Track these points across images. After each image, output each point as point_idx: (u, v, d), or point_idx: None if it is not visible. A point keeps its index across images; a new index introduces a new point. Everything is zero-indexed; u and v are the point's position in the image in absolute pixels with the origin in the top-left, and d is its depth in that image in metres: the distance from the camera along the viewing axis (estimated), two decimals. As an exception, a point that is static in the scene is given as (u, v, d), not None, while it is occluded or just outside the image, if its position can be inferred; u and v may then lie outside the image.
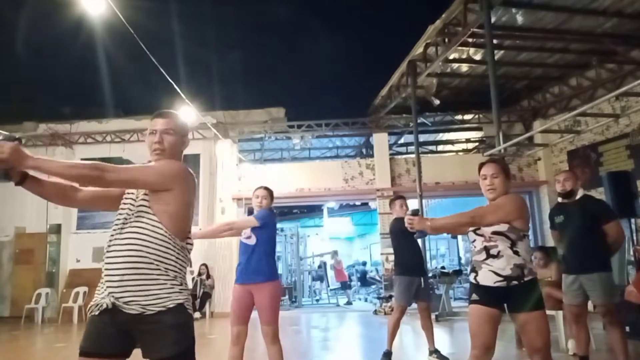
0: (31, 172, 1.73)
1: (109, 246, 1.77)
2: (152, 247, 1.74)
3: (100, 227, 10.46)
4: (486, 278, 2.54)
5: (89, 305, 1.78)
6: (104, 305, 1.70)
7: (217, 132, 10.56)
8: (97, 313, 1.72)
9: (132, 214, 1.78)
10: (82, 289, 9.97)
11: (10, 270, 10.78)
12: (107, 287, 1.72)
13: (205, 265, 10.18)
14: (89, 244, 10.42)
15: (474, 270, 2.64)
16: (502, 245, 2.53)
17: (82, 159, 11.43)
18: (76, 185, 1.86)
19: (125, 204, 1.84)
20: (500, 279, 2.50)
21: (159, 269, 1.74)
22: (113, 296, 1.70)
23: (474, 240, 2.66)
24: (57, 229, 10.62)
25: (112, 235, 1.79)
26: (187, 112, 9.13)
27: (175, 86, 7.59)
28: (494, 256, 2.54)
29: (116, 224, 1.81)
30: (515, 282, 2.49)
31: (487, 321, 2.50)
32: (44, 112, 11.79)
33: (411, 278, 4.62)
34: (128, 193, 1.86)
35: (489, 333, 2.50)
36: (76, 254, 10.66)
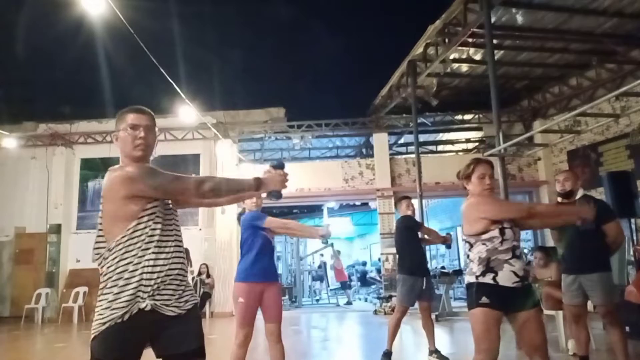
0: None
1: (166, 252, 1.78)
2: (183, 252, 1.89)
3: None
4: (506, 278, 2.47)
5: (111, 314, 1.67)
6: (147, 307, 1.69)
7: (217, 132, 10.56)
8: (126, 318, 1.67)
9: (177, 222, 1.91)
10: (82, 289, 9.97)
11: (10, 270, 10.79)
12: (150, 290, 1.71)
13: (205, 265, 10.19)
14: (89, 244, 10.16)
15: (491, 270, 2.48)
16: (519, 246, 2.56)
17: (82, 159, 11.41)
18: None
19: (169, 208, 1.89)
20: (518, 279, 2.48)
21: (186, 271, 1.89)
22: (154, 298, 1.72)
23: (504, 236, 2.49)
24: (57, 229, 10.62)
25: (166, 241, 1.79)
26: (187, 112, 9.13)
27: (175, 86, 7.58)
28: (517, 257, 2.51)
29: (168, 230, 1.82)
30: (526, 282, 2.52)
31: (495, 325, 2.45)
32: (44, 112, 11.78)
33: (415, 278, 4.63)
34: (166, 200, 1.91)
35: (495, 337, 2.46)
36: (76, 254, 10.66)
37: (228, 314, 9.32)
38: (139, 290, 1.70)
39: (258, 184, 1.91)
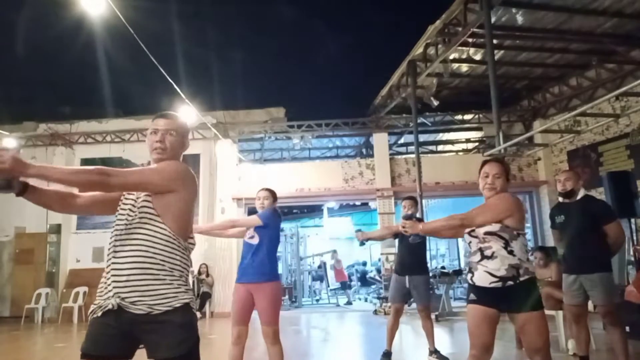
0: (31, 181, 1.71)
1: (114, 248, 1.77)
2: (158, 248, 1.75)
3: (100, 227, 10.46)
4: (482, 279, 2.55)
5: (91, 308, 1.76)
6: (109, 306, 1.69)
7: (217, 132, 10.56)
8: (99, 314, 1.71)
9: (136, 216, 1.78)
10: (82, 289, 9.97)
11: (10, 270, 10.79)
12: (113, 287, 1.71)
13: (205, 264, 10.19)
14: (89, 244, 10.43)
15: (470, 270, 2.65)
16: (496, 246, 2.53)
17: (82, 159, 11.43)
18: (75, 191, 1.85)
19: (125, 205, 1.85)
20: (496, 279, 2.50)
21: (165, 269, 1.75)
22: (119, 296, 1.69)
23: (470, 242, 2.67)
24: (57, 229, 10.62)
25: (114, 238, 1.79)
26: (187, 112, 9.12)
27: (175, 86, 7.58)
28: (488, 257, 2.54)
29: (118, 226, 1.81)
30: (510, 283, 2.48)
31: (484, 321, 2.50)
32: (44, 112, 11.78)
33: (395, 276, 4.76)
34: (127, 195, 1.87)
35: (487, 333, 2.50)
36: (76, 254, 10.67)
37: (228, 314, 9.30)
38: (111, 286, 1.72)
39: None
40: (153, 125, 1.94)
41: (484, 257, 2.56)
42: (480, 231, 2.58)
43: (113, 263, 1.75)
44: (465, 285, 10.92)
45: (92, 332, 1.74)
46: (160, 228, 1.77)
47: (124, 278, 1.71)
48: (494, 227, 2.53)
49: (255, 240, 3.44)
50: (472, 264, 2.62)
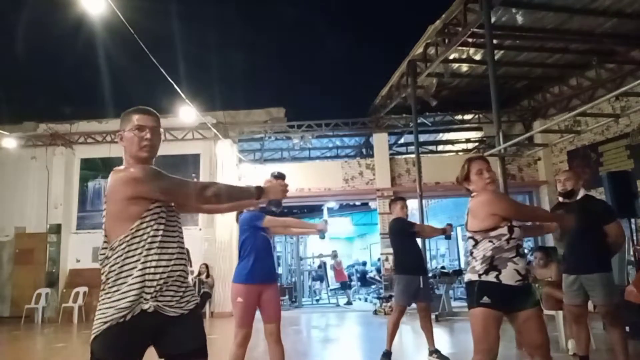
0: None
1: (169, 254, 1.78)
2: (184, 251, 1.89)
3: (100, 227, 10.28)
4: (510, 277, 2.45)
5: (110, 314, 1.66)
6: (150, 309, 1.69)
7: (217, 132, 10.56)
8: (128, 318, 1.67)
9: (179, 223, 1.91)
10: (82, 289, 9.97)
11: (10, 270, 10.79)
12: (153, 291, 1.71)
13: (205, 265, 10.18)
14: (89, 244, 10.42)
15: (494, 268, 2.45)
16: (522, 245, 2.58)
17: (82, 159, 11.40)
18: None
19: (172, 209, 1.88)
20: (520, 278, 2.47)
21: (187, 272, 1.90)
22: (157, 300, 1.72)
23: (503, 235, 2.47)
24: (57, 229, 10.62)
25: (169, 242, 1.80)
26: (187, 112, 9.13)
27: (175, 86, 7.58)
28: (521, 255, 2.52)
29: (171, 232, 1.82)
30: (526, 281, 2.51)
31: (494, 326, 2.44)
32: (44, 112, 11.78)
33: (410, 277, 4.65)
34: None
35: (495, 338, 2.44)
36: (76, 254, 10.66)
37: (228, 314, 9.31)
38: (143, 291, 1.69)
39: (259, 193, 1.97)
40: (139, 121, 1.86)
41: (518, 254, 2.49)
42: (519, 229, 2.55)
43: (170, 271, 1.77)
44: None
45: (118, 340, 1.67)
46: (182, 232, 1.92)
47: (163, 281, 1.75)
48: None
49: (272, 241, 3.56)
50: (501, 260, 2.45)
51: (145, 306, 1.68)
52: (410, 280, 4.63)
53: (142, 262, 1.71)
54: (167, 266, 1.75)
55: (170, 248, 1.79)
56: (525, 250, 2.76)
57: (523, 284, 2.48)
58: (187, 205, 2.07)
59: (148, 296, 1.69)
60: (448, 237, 5.29)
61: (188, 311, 1.81)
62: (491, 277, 2.45)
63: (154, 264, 1.72)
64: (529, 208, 2.73)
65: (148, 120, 1.88)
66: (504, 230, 2.48)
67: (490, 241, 2.49)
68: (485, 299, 2.43)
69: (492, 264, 2.46)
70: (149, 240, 1.73)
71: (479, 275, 2.49)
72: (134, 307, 1.67)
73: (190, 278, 9.56)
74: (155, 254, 1.74)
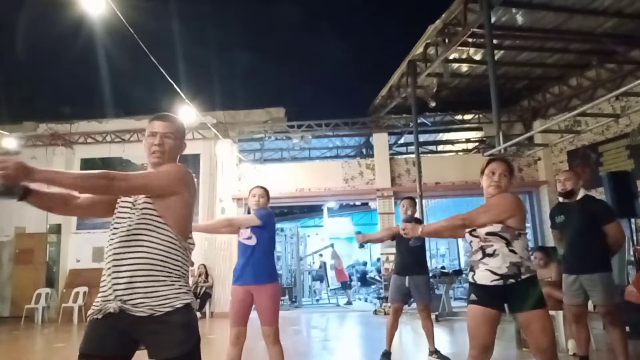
0: (32, 186, 1.66)
1: (114, 250, 1.75)
2: (160, 250, 1.76)
3: (100, 227, 10.45)
4: (483, 277, 2.54)
5: (90, 310, 1.76)
6: (110, 310, 1.68)
7: (217, 132, 10.56)
8: (100, 317, 1.71)
9: (137, 218, 1.78)
10: (82, 289, 9.97)
11: (10, 270, 10.79)
12: (114, 290, 1.70)
13: (203, 265, 10.16)
14: (89, 244, 10.42)
15: (472, 269, 2.64)
16: (497, 245, 2.53)
17: (82, 159, 11.38)
18: (75, 193, 1.85)
19: (123, 207, 1.84)
20: (497, 277, 2.50)
21: (167, 271, 1.75)
22: (121, 299, 1.69)
23: (471, 242, 2.67)
24: (57, 229, 10.62)
25: (115, 240, 1.77)
26: (187, 112, 9.12)
27: (175, 86, 7.58)
28: (489, 255, 2.54)
29: (119, 228, 1.79)
30: (512, 281, 2.48)
31: (485, 322, 2.50)
32: (44, 112, 11.79)
33: (395, 277, 4.79)
34: (124, 197, 1.86)
35: (487, 333, 2.50)
36: (76, 254, 10.66)
37: (228, 314, 9.30)
38: (111, 289, 1.71)
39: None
40: (150, 127, 1.91)
41: (485, 255, 2.56)
42: (482, 231, 2.57)
43: (114, 266, 1.73)
44: (466, 285, 10.93)
45: (91, 333, 1.73)
46: (163, 230, 1.77)
47: (126, 280, 1.70)
48: (496, 228, 2.53)
49: (253, 242, 3.40)
50: (474, 263, 2.62)
51: (109, 306, 1.69)
52: (394, 279, 4.79)
53: (109, 259, 1.76)
54: (117, 266, 1.73)
55: (116, 246, 1.76)
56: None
57: (505, 283, 2.48)
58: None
59: (112, 296, 1.70)
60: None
61: (163, 313, 1.69)
62: (470, 277, 2.64)
63: (113, 262, 1.75)
64: (466, 215, 2.71)
65: (159, 127, 1.90)
66: (467, 236, 2.69)
67: (470, 245, 2.70)
68: (473, 297, 2.58)
69: (470, 266, 2.68)
70: (109, 237, 1.81)
71: (468, 276, 2.72)
72: (102, 306, 1.71)
73: (190, 279, 9.58)
74: (112, 251, 1.76)
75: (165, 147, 1.89)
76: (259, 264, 3.38)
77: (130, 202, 1.83)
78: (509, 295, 2.49)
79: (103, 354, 1.71)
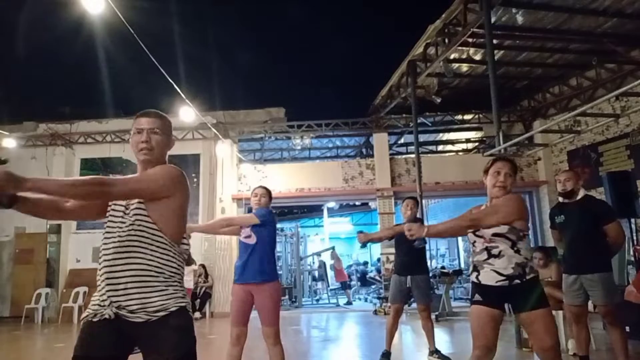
0: (20, 193, 1.61)
1: (107, 256, 1.72)
2: (154, 255, 1.73)
3: (100, 227, 10.20)
4: (488, 277, 2.54)
5: (85, 313, 1.73)
6: (106, 316, 1.67)
7: (217, 132, 10.55)
8: (95, 320, 1.69)
9: (128, 222, 1.75)
10: (82, 289, 9.97)
11: (10, 270, 10.78)
12: (109, 296, 1.68)
13: (203, 265, 10.15)
14: (89, 244, 10.42)
15: (475, 269, 2.62)
16: (503, 246, 2.53)
17: (82, 159, 11.35)
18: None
19: (116, 210, 1.81)
20: (502, 278, 2.49)
21: (162, 276, 1.73)
22: (115, 306, 1.67)
23: (474, 242, 2.65)
24: (57, 229, 10.62)
25: (108, 245, 1.74)
26: (187, 112, 9.13)
27: (175, 86, 7.58)
28: (495, 256, 2.53)
29: (111, 233, 1.77)
30: (517, 281, 2.48)
31: (488, 322, 2.49)
32: (44, 112, 11.79)
33: (396, 277, 4.76)
34: (116, 201, 1.83)
35: (490, 334, 2.49)
36: (76, 254, 10.66)
37: (228, 314, 9.28)
38: (106, 295, 1.69)
39: None
40: (136, 124, 1.87)
41: (490, 255, 2.55)
42: (488, 232, 2.55)
43: (108, 272, 1.70)
44: (465, 285, 10.92)
45: (86, 335, 1.71)
46: (156, 235, 1.75)
47: (122, 287, 1.68)
48: (502, 229, 2.52)
49: (252, 240, 3.40)
50: (478, 263, 2.60)
51: (105, 311, 1.68)
52: (396, 279, 4.76)
53: (102, 265, 1.74)
54: (112, 272, 1.70)
55: (110, 251, 1.74)
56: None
57: (510, 283, 2.48)
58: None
59: (107, 302, 1.68)
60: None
61: (158, 318, 1.67)
62: (474, 278, 2.63)
63: (106, 268, 1.72)
64: (474, 216, 2.69)
65: (145, 123, 1.86)
66: (470, 236, 2.68)
67: (473, 245, 2.69)
68: (476, 297, 2.59)
69: (474, 266, 2.65)
70: (103, 242, 1.78)
71: (471, 276, 2.69)
72: (97, 310, 1.69)
73: (192, 280, 9.57)
74: (104, 256, 1.74)
75: (152, 143, 1.84)
76: (259, 263, 3.37)
77: (122, 206, 1.79)
78: (513, 296, 2.50)
79: (98, 356, 1.69)
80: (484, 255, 2.58)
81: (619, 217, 4.11)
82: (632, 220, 5.78)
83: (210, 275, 10.19)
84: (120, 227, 1.75)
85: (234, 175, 10.91)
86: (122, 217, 1.77)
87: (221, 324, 8.68)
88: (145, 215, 1.75)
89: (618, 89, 6.45)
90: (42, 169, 10.92)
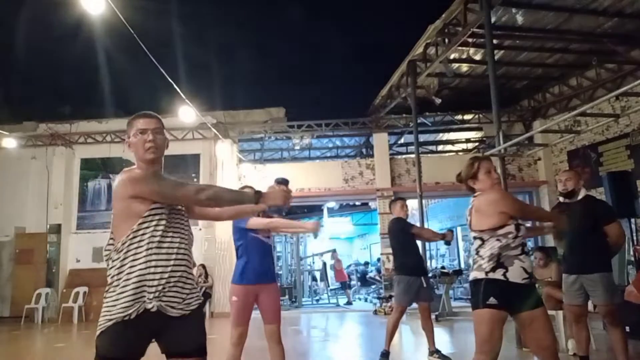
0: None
1: (170, 251, 1.82)
2: (190, 255, 1.93)
3: (100, 227, 10.46)
4: (517, 275, 2.44)
5: (115, 313, 1.72)
6: (153, 308, 1.74)
7: (217, 132, 10.55)
8: (133, 316, 1.73)
9: (187, 223, 1.96)
10: (82, 289, 9.97)
11: (10, 270, 10.78)
12: (155, 290, 1.75)
13: (203, 265, 10.15)
14: (89, 244, 10.42)
15: (501, 266, 2.43)
16: (526, 243, 2.59)
17: (82, 159, 11.38)
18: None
19: (179, 211, 1.94)
20: (527, 276, 2.47)
21: (192, 274, 1.94)
22: (161, 300, 1.76)
23: (509, 233, 2.47)
24: (57, 229, 10.62)
25: (172, 242, 1.84)
26: (187, 112, 9.12)
27: (175, 86, 7.58)
28: (526, 253, 2.52)
29: (175, 230, 1.87)
30: (532, 280, 2.52)
31: (499, 327, 2.43)
32: (44, 112, 11.79)
33: (412, 278, 4.64)
34: (178, 205, 1.98)
35: (498, 339, 2.44)
36: (76, 254, 10.66)
37: (228, 314, 9.25)
38: (144, 290, 1.74)
39: (258, 198, 1.92)
40: (137, 125, 1.96)
41: (524, 252, 2.50)
42: (523, 227, 2.55)
43: (173, 271, 1.81)
44: (465, 285, 10.88)
45: (122, 336, 1.73)
46: (191, 234, 1.96)
47: (174, 280, 1.81)
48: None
49: (269, 241, 3.51)
50: (507, 258, 2.44)
51: (149, 305, 1.74)
52: (412, 281, 4.63)
53: (143, 262, 1.76)
54: (167, 266, 1.79)
55: (171, 248, 1.82)
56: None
57: (530, 282, 2.49)
58: (191, 210, 2.09)
59: (151, 295, 1.74)
60: (448, 243, 5.29)
61: (190, 311, 1.84)
62: (498, 275, 2.43)
63: (153, 263, 1.77)
64: (532, 207, 2.78)
65: (149, 123, 1.97)
66: (511, 228, 2.48)
67: (497, 239, 2.48)
68: (492, 300, 2.39)
69: (499, 262, 2.44)
70: (149, 239, 1.79)
71: (486, 273, 2.46)
72: (137, 305, 1.73)
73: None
74: (155, 253, 1.78)
75: (158, 142, 1.96)
76: (271, 264, 3.49)
77: (182, 209, 1.97)
78: (526, 295, 2.47)
79: (132, 358, 1.76)
80: (518, 250, 2.47)
81: (619, 217, 4.10)
82: (632, 220, 5.79)
83: (210, 275, 10.19)
84: (184, 227, 1.93)
85: (234, 175, 10.90)
86: (182, 217, 1.95)
87: (221, 323, 8.68)
88: (185, 216, 1.98)
89: (618, 89, 6.44)
90: (42, 169, 10.93)
